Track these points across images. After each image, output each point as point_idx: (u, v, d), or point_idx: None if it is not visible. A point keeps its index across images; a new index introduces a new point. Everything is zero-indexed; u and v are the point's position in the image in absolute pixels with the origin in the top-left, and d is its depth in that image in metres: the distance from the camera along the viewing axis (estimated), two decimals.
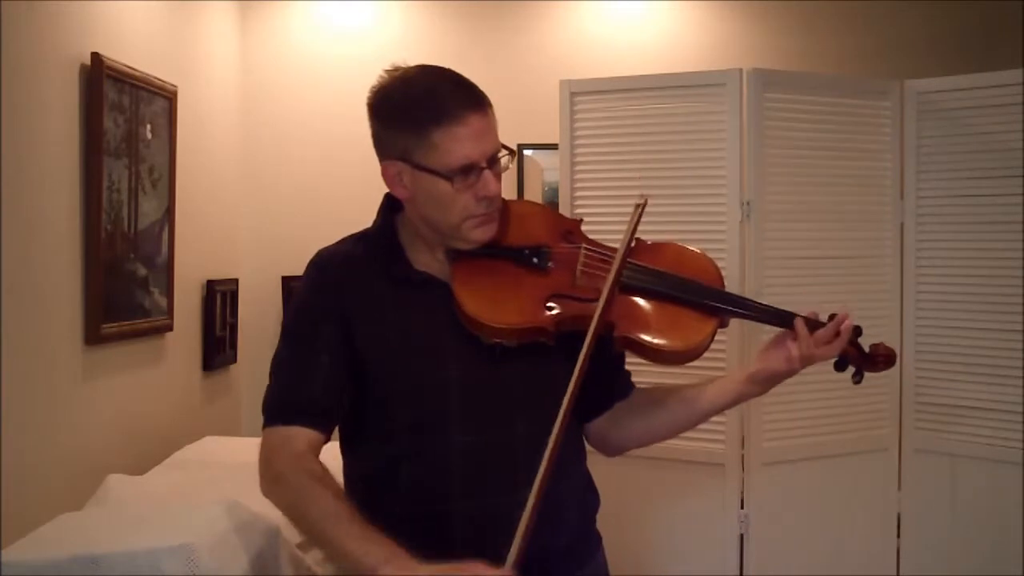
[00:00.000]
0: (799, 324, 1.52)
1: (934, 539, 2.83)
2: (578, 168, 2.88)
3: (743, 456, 2.75)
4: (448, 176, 1.41)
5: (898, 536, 2.88)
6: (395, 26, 3.82)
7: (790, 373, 1.53)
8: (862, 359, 1.57)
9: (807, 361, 1.52)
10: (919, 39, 3.84)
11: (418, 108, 1.42)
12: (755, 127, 2.73)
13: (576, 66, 3.58)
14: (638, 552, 2.82)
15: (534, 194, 3.77)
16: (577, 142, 2.89)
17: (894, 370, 2.85)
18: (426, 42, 3.77)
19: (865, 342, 1.58)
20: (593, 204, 2.80)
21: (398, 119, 1.44)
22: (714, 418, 2.60)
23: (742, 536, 2.75)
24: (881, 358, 1.58)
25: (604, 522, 1.65)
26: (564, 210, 2.80)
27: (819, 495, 2.81)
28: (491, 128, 1.45)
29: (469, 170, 1.41)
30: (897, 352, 1.62)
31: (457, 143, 1.40)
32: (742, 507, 2.75)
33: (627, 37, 3.84)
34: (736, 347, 2.70)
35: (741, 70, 2.74)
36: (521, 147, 3.73)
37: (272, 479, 1.44)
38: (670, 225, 2.66)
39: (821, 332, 1.52)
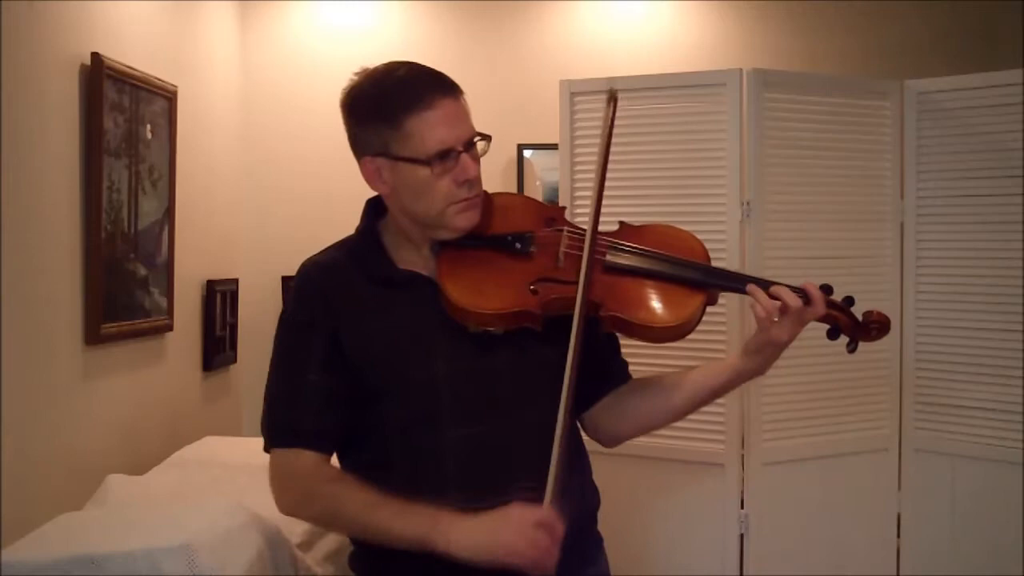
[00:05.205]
0: (751, 288, 1.49)
1: (934, 539, 2.83)
2: (578, 168, 2.88)
3: (743, 456, 2.74)
4: (426, 161, 1.42)
5: (898, 536, 2.87)
6: (395, 26, 3.82)
7: (772, 336, 1.47)
8: (855, 327, 1.55)
9: (787, 323, 1.46)
10: (919, 39, 3.84)
11: (389, 100, 1.44)
12: (755, 127, 2.72)
13: (576, 66, 3.58)
14: (638, 552, 2.82)
15: (533, 194, 3.77)
16: (577, 142, 2.88)
17: (894, 370, 2.86)
18: (426, 42, 3.77)
19: None
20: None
21: (371, 114, 1.46)
22: (714, 418, 2.68)
23: (742, 536, 2.75)
24: (875, 324, 1.55)
25: (603, 522, 1.65)
26: None
27: (819, 495, 2.80)
28: (463, 113, 1.46)
29: (446, 154, 1.43)
30: (891, 319, 1.58)
31: (431, 128, 1.42)
32: (742, 507, 2.75)
33: (627, 37, 3.84)
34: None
35: (741, 70, 2.74)
36: (521, 147, 3.72)
37: (295, 501, 1.48)
38: None
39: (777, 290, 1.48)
